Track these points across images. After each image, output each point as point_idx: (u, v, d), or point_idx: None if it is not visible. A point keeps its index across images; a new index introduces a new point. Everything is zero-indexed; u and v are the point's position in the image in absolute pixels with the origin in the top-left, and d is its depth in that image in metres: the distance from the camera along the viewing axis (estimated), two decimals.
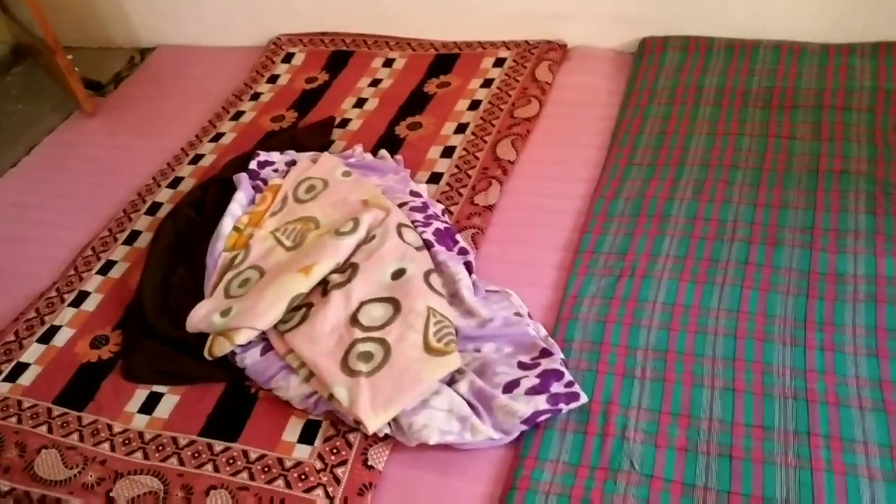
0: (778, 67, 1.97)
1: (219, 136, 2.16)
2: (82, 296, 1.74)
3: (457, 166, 1.89)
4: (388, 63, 2.30)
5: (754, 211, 1.63)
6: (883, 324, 1.38)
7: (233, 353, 1.49)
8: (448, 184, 1.84)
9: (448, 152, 1.94)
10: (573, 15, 2.22)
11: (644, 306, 1.48)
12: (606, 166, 1.82)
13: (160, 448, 1.40)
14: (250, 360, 1.47)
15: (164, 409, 1.47)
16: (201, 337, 1.53)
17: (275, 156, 1.91)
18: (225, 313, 1.50)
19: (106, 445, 1.42)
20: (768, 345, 1.38)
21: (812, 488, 1.18)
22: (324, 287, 1.52)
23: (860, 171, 1.67)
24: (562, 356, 1.40)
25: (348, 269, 1.53)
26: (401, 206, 1.69)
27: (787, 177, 1.70)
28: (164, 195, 1.97)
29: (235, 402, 1.46)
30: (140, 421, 1.46)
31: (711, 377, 1.35)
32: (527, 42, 2.25)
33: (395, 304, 1.46)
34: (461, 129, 2.00)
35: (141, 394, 1.51)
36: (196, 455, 1.38)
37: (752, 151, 1.77)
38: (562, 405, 1.32)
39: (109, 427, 1.45)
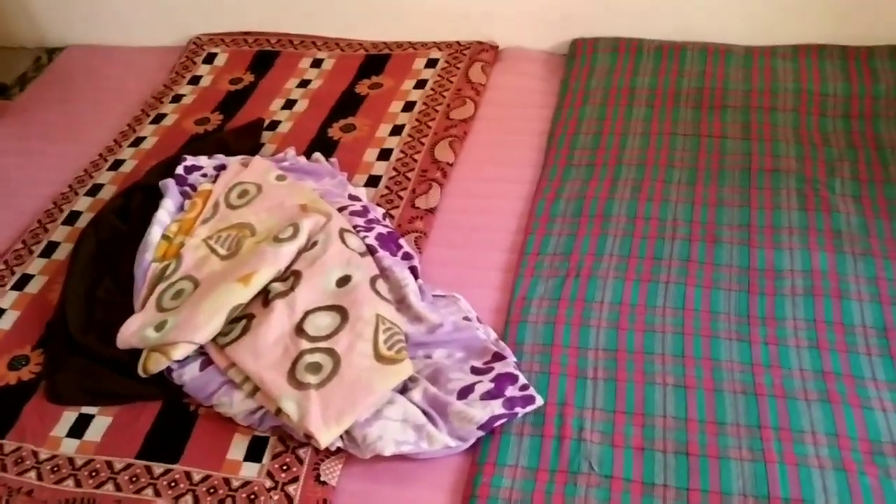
0: (706, 69, 2.02)
1: (139, 140, 2.05)
2: None
3: (395, 169, 1.85)
4: (317, 63, 2.24)
5: (692, 209, 1.66)
6: (821, 316, 1.43)
7: (169, 370, 1.41)
8: (387, 187, 1.80)
9: (385, 155, 1.90)
10: (503, 16, 2.22)
11: (592, 306, 1.48)
12: (545, 167, 1.82)
13: (93, 474, 1.31)
14: (189, 375, 1.39)
15: (95, 431, 1.37)
16: (133, 353, 1.44)
17: (203, 160, 1.82)
18: (159, 327, 1.42)
19: (32, 474, 1.32)
20: (715, 341, 1.41)
21: (767, 480, 1.20)
22: (265, 297, 1.46)
23: (790, 169, 1.72)
24: (514, 359, 1.38)
25: (290, 277, 1.47)
26: (340, 210, 1.64)
27: (721, 175, 1.73)
28: (82, 203, 1.85)
29: (174, 420, 1.38)
30: (69, 445, 1.36)
31: (663, 374, 1.36)
32: (458, 43, 2.23)
33: (341, 312, 1.41)
34: (397, 130, 1.96)
35: (69, 416, 1.40)
36: (134, 479, 1.30)
37: (686, 151, 1.81)
38: (518, 409, 1.30)
39: (35, 454, 1.35)
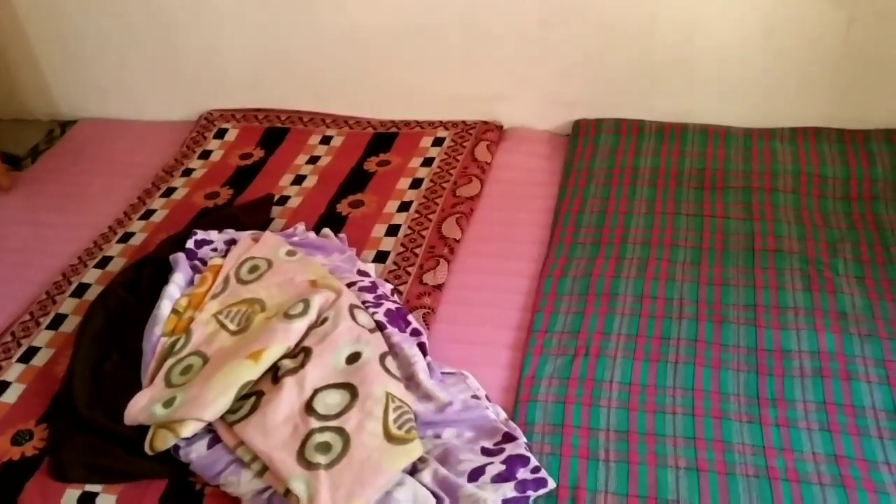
0: (706, 150, 2.06)
1: (149, 213, 2.07)
2: (1, 386, 1.60)
3: (402, 245, 1.87)
4: (326, 140, 2.29)
5: (698, 288, 1.68)
6: (831, 398, 1.43)
7: (176, 447, 1.39)
8: (395, 263, 1.82)
9: (393, 230, 1.92)
10: (508, 97, 2.28)
11: (601, 386, 1.48)
12: (551, 245, 1.84)
13: None
14: (196, 454, 1.38)
15: None
16: (139, 430, 1.43)
17: (213, 234, 1.84)
18: (167, 404, 1.41)
19: None
20: (726, 422, 1.40)
21: None
22: (274, 373, 1.45)
23: (792, 249, 1.75)
24: (525, 440, 1.38)
25: (300, 353, 1.47)
26: (349, 286, 1.65)
27: (725, 255, 1.76)
28: (91, 276, 1.86)
29: (180, 499, 1.36)
30: None
31: (675, 457, 1.35)
32: (464, 122, 2.28)
33: (351, 389, 1.41)
34: (404, 207, 1.99)
35: (72, 494, 1.38)
36: None
37: (690, 230, 1.83)
38: (530, 492, 1.29)
39: None
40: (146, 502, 1.36)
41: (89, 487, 1.39)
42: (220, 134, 2.36)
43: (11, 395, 1.58)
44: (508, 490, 1.28)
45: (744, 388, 1.46)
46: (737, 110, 2.14)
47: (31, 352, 1.68)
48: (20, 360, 1.66)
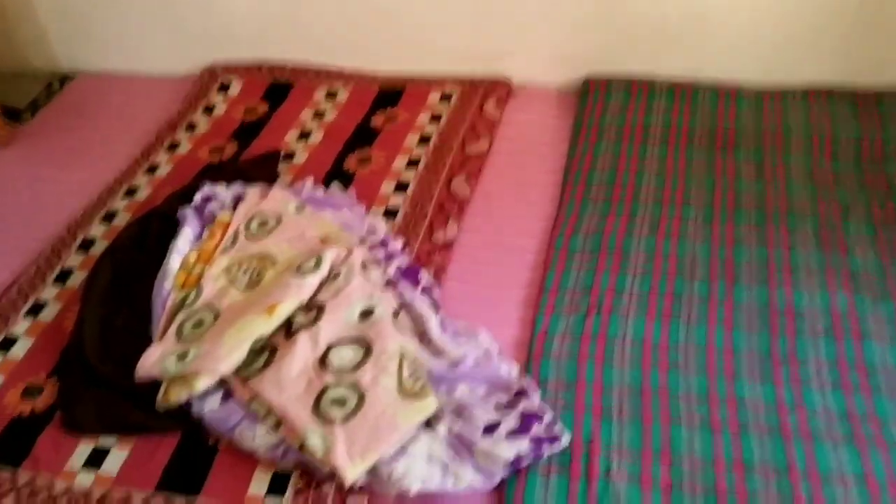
0: (718, 109, 2.04)
1: (153, 167, 2.04)
2: (8, 341, 1.59)
3: (411, 202, 1.85)
4: (332, 95, 2.25)
5: (710, 247, 1.67)
6: (843, 357, 1.43)
7: (188, 402, 1.39)
8: (404, 220, 1.80)
9: (401, 187, 1.90)
10: (516, 53, 2.25)
11: (614, 343, 1.48)
12: (562, 203, 1.83)
13: None
14: (209, 408, 1.37)
15: (112, 464, 1.35)
16: (152, 384, 1.42)
17: (220, 189, 1.81)
18: (181, 357, 1.40)
19: None
20: (738, 381, 1.41)
21: None
22: (287, 328, 1.45)
23: (804, 210, 1.74)
24: (539, 396, 1.38)
25: (313, 308, 1.46)
26: (359, 242, 1.64)
27: (737, 214, 1.75)
28: (97, 230, 1.84)
29: (193, 454, 1.36)
30: (85, 478, 1.33)
31: (689, 414, 1.35)
32: (472, 78, 2.25)
33: (365, 345, 1.40)
34: (413, 163, 1.97)
35: (85, 448, 1.38)
36: None
37: (702, 189, 1.82)
38: (545, 447, 1.29)
39: (50, 486, 1.32)
40: (159, 456, 1.36)
41: (102, 441, 1.39)
42: (224, 88, 2.32)
43: (20, 350, 1.57)
44: (523, 445, 1.28)
45: (756, 346, 1.46)
46: (748, 68, 2.11)
47: (38, 306, 1.66)
48: (28, 314, 1.64)
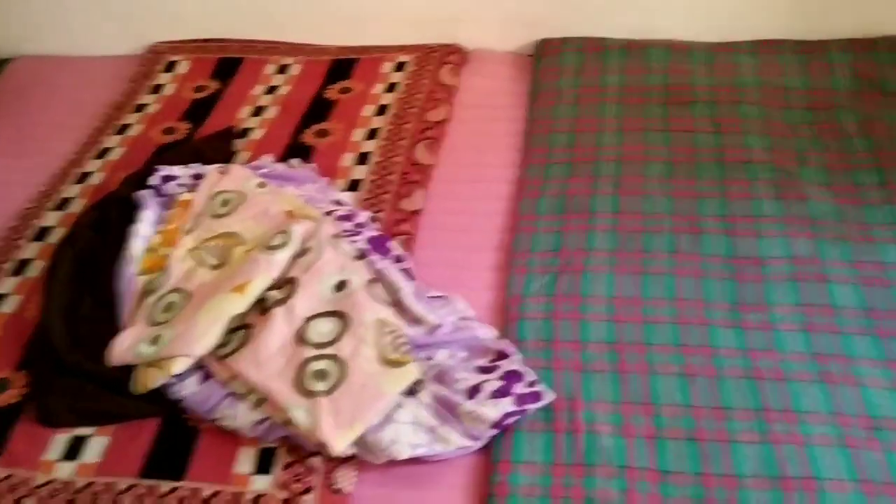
0: (671, 66, 2.07)
1: (105, 151, 1.98)
2: None
3: (374, 173, 1.83)
4: (283, 69, 2.21)
5: (673, 202, 1.70)
6: (808, 300, 1.47)
7: (166, 385, 1.36)
8: (369, 191, 1.79)
9: (362, 159, 1.88)
10: (468, 18, 2.23)
11: (588, 301, 1.50)
12: (525, 166, 1.83)
13: (95, 497, 1.26)
14: (188, 390, 1.35)
15: (92, 452, 1.32)
16: (124, 370, 1.39)
17: (177, 170, 1.77)
18: (154, 341, 1.37)
19: (30, 502, 1.26)
20: (711, 329, 1.44)
21: (776, 461, 1.23)
22: (262, 305, 1.43)
23: (761, 159, 1.78)
24: (519, 356, 1.39)
25: (286, 284, 1.45)
26: (326, 215, 1.62)
27: (697, 168, 1.78)
28: (51, 218, 1.78)
29: (175, 437, 1.34)
30: (65, 469, 1.30)
31: (664, 364, 1.39)
32: (425, 45, 2.23)
33: (342, 317, 1.39)
34: (372, 134, 1.95)
35: (61, 439, 1.35)
36: (139, 500, 1.25)
37: (661, 146, 1.84)
38: (528, 405, 1.31)
39: (29, 480, 1.29)
40: (141, 441, 1.33)
41: (80, 431, 1.36)
42: (170, 67, 2.26)
43: None
44: (508, 405, 1.29)
45: (724, 294, 1.50)
46: (699, 25, 2.14)
47: None
48: None
